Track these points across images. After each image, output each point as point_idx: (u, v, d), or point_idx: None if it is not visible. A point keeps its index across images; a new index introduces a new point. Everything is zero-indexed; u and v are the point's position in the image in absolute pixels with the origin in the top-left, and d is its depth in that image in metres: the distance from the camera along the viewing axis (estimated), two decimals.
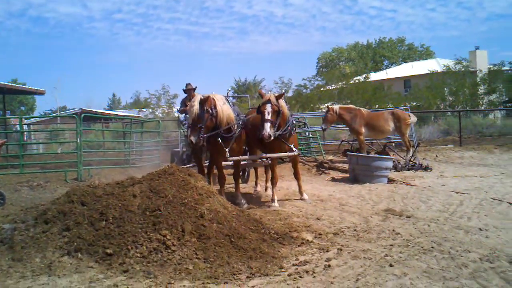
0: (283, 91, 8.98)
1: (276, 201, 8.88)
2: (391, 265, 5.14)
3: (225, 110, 8.47)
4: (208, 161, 10.35)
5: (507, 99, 36.23)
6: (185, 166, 10.79)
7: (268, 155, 9.05)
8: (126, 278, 4.86)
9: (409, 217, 7.63)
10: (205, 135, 8.18)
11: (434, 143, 21.38)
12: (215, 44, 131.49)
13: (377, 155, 12.82)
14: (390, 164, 11.59)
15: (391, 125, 14.63)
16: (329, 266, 5.21)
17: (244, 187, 11.19)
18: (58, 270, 5.05)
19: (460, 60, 36.48)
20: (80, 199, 6.07)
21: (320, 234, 6.65)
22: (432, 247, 5.84)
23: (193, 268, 5.07)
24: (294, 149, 8.93)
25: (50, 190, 10.95)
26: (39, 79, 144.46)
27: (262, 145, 9.08)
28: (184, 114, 11.28)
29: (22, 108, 67.07)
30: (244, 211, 6.94)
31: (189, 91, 11.11)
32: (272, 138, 8.20)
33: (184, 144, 12.35)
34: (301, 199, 9.29)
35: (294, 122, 9.14)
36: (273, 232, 6.46)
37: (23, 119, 13.82)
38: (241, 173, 10.76)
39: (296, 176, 9.58)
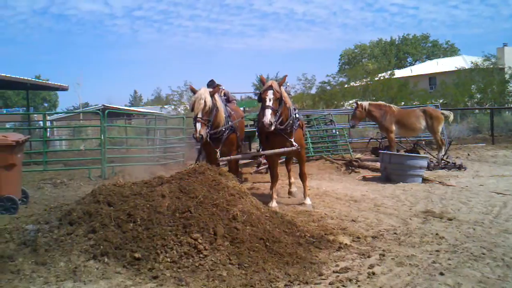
0: (285, 78, 8.00)
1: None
2: (441, 274, 4.73)
3: (222, 108, 8.11)
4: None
5: None
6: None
7: (263, 152, 8.55)
8: (156, 285, 4.53)
9: (450, 219, 7.18)
10: (212, 131, 7.84)
11: (464, 141, 20.74)
12: (234, 41, 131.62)
13: (411, 154, 12.29)
14: (425, 163, 11.09)
15: (422, 123, 14.11)
16: (373, 273, 4.82)
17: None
18: (84, 276, 4.75)
19: (488, 56, 35.62)
20: (106, 199, 5.75)
21: (358, 237, 6.24)
22: (483, 254, 5.40)
23: (227, 274, 4.72)
24: (294, 143, 8.11)
25: (73, 188, 10.72)
26: (62, 76, 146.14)
27: (265, 143, 8.54)
28: None
29: (45, 104, 67.72)
30: (277, 213, 6.58)
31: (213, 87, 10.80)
32: (273, 127, 7.52)
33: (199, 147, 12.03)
34: (302, 203, 8.49)
35: (297, 115, 8.42)
36: (309, 235, 6.09)
37: (46, 115, 13.63)
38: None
39: (302, 177, 8.72)
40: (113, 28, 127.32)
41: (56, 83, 20.75)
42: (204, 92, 7.68)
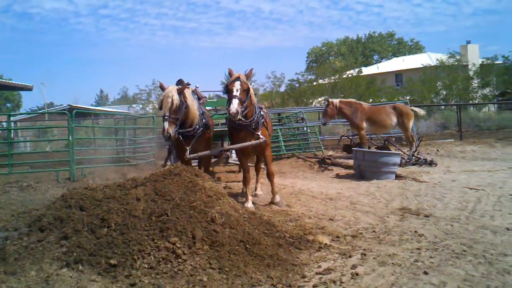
0: (251, 70, 8.00)
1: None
2: (425, 273, 4.68)
3: (193, 106, 8.03)
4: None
5: (499, 92, 36.03)
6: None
7: (230, 146, 8.52)
8: None
9: (427, 216, 7.19)
10: (184, 129, 7.86)
11: (432, 137, 21.06)
12: (202, 39, 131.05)
13: (384, 151, 12.34)
14: (398, 159, 11.14)
15: (393, 120, 14.17)
16: (357, 274, 4.74)
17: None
18: (57, 285, 4.51)
19: (453, 54, 36.27)
20: (78, 203, 5.52)
21: (337, 237, 6.17)
22: (464, 251, 5.39)
23: (207, 279, 4.56)
24: (261, 136, 8.03)
25: (41, 191, 10.34)
26: (25, 76, 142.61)
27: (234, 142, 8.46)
28: None
29: (8, 105, 65.80)
30: (255, 213, 6.45)
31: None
32: (239, 116, 7.40)
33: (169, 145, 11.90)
34: (271, 202, 8.40)
35: (262, 113, 8.39)
36: (288, 235, 5.98)
37: (10, 116, 13.14)
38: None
39: (269, 176, 8.50)
40: (78, 27, 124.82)
41: (20, 83, 20.14)
42: (172, 90, 7.60)
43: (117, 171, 12.35)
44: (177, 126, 7.61)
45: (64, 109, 32.84)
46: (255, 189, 9.33)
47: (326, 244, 5.84)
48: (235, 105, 7.31)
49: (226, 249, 5.03)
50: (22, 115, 34.07)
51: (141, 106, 32.54)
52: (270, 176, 8.51)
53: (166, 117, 7.42)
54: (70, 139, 11.43)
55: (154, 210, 5.30)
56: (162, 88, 7.89)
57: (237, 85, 7.51)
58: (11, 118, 13.52)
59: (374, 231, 6.43)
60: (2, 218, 6.80)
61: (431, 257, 5.19)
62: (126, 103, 49.37)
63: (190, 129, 7.99)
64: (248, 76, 7.91)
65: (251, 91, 7.89)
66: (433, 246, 5.61)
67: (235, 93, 7.43)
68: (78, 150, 12.32)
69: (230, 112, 7.31)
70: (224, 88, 7.99)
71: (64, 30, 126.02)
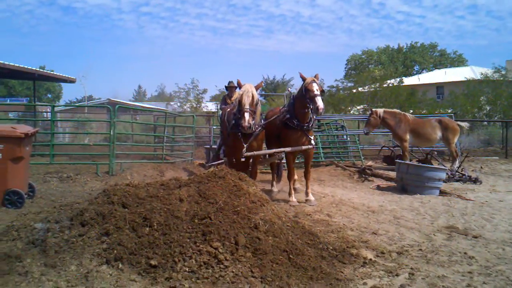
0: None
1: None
2: None
3: (260, 105, 8.75)
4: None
5: None
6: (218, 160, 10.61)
7: (283, 149, 9.03)
8: None
9: (476, 237, 6.85)
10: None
11: (475, 153, 20.38)
12: (240, 41, 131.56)
13: (428, 165, 11.96)
14: (443, 175, 10.75)
15: (438, 134, 13.79)
16: None
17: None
18: (97, 282, 4.42)
19: (498, 68, 35.20)
20: (121, 200, 5.42)
21: (382, 252, 5.92)
22: None
23: None
24: (312, 142, 9.02)
25: (80, 183, 10.39)
26: (66, 68, 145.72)
27: (279, 141, 9.20)
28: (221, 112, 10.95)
29: (49, 95, 67.26)
30: (298, 222, 6.25)
31: (231, 88, 11.48)
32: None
33: (220, 141, 11.92)
34: (306, 200, 9.11)
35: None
36: (331, 247, 5.77)
37: (54, 107, 13.29)
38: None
39: (307, 175, 9.32)
40: (120, 23, 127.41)
41: (63, 75, 20.43)
42: (251, 87, 8.39)
43: (155, 168, 12.32)
44: (253, 120, 8.24)
45: (104, 103, 33.37)
46: (294, 184, 9.81)
47: (370, 259, 5.60)
48: (320, 101, 8.26)
49: (269, 258, 4.85)
50: (64, 107, 34.66)
51: (179, 104, 32.68)
52: (307, 174, 9.32)
53: (246, 109, 8.10)
54: (111, 133, 11.46)
55: (197, 212, 5.18)
56: (240, 85, 8.65)
57: (316, 85, 8.48)
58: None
59: (420, 249, 6.14)
60: (44, 209, 6.80)
61: (484, 283, 4.90)
62: (163, 100, 49.79)
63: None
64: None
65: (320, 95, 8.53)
66: (485, 271, 5.30)
67: (316, 92, 8.36)
68: (117, 145, 12.33)
69: (319, 108, 8.22)
70: (299, 91, 8.84)
71: (106, 26, 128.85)
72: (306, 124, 8.84)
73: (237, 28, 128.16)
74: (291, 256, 5.04)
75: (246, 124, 7.99)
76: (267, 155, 9.55)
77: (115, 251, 4.78)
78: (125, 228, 5.03)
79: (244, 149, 8.36)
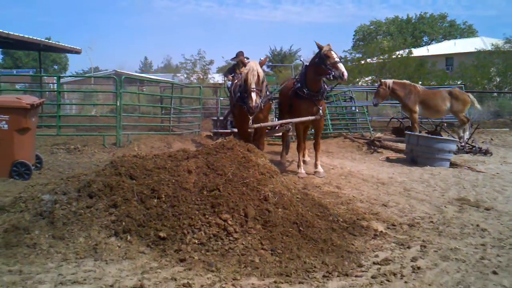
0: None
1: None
2: (494, 273, 4.31)
3: (265, 79, 8.58)
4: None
5: None
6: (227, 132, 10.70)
7: (289, 120, 8.93)
8: (184, 269, 4.16)
9: (488, 209, 6.75)
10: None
11: (485, 125, 20.12)
12: (247, 12, 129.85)
13: (438, 136, 11.80)
14: (454, 147, 10.60)
15: (447, 105, 13.56)
16: (418, 268, 4.41)
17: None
18: (105, 254, 4.39)
19: (509, 39, 34.55)
20: (128, 171, 5.35)
21: (393, 225, 5.85)
22: None
23: (259, 261, 4.35)
24: (321, 111, 8.81)
25: (87, 155, 10.35)
26: (71, 39, 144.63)
27: (292, 114, 9.12)
28: (230, 82, 10.77)
29: (55, 67, 66.96)
30: (307, 194, 6.18)
31: (240, 59, 11.14)
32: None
33: (228, 113, 11.86)
34: (314, 171, 9.05)
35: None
36: (341, 220, 5.69)
37: (60, 78, 13.16)
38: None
39: (316, 146, 9.32)
40: None
41: (70, 46, 20.19)
42: (256, 65, 8.19)
43: (162, 140, 12.24)
44: (261, 98, 8.15)
45: (110, 74, 33.18)
46: (303, 156, 9.73)
47: (381, 231, 5.54)
48: (343, 67, 8.21)
49: (279, 230, 4.79)
50: (70, 77, 34.49)
51: (185, 75, 32.41)
52: (317, 146, 9.31)
53: (252, 88, 7.92)
54: (118, 104, 11.35)
55: (206, 184, 5.10)
56: (243, 63, 8.83)
57: (334, 53, 8.40)
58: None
59: (432, 222, 6.06)
60: (51, 180, 6.76)
61: (498, 256, 4.81)
62: (169, 71, 49.44)
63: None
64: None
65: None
66: (498, 243, 5.22)
67: (336, 58, 8.31)
68: (124, 116, 12.24)
69: (344, 75, 8.13)
70: (316, 57, 8.64)
71: None
72: (316, 93, 8.71)
73: None
74: (301, 228, 4.97)
75: (254, 104, 7.85)
76: (276, 126, 9.42)
77: (124, 223, 4.74)
78: (133, 200, 4.98)
79: (250, 121, 8.20)
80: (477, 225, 5.89)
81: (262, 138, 9.04)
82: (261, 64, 8.46)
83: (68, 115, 16.44)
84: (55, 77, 14.44)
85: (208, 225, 4.67)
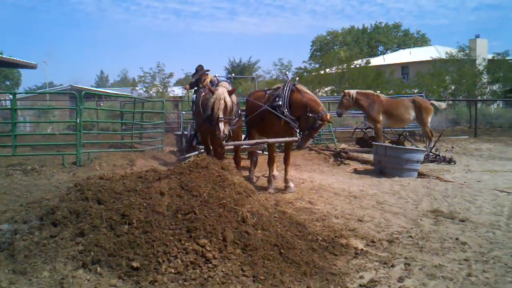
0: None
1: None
2: None
3: (233, 99, 8.19)
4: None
5: (508, 89, 35.47)
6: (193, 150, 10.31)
7: (265, 140, 8.66)
8: None
9: (463, 220, 6.70)
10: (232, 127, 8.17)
11: (444, 133, 20.48)
12: (204, 24, 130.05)
13: (401, 146, 11.82)
14: (422, 157, 10.60)
15: (411, 114, 13.67)
16: None
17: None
18: None
19: (462, 47, 35.58)
20: (96, 196, 4.98)
21: (372, 241, 5.70)
22: None
23: None
24: (298, 133, 8.46)
25: (46, 176, 9.78)
26: (24, 54, 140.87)
27: (262, 128, 9.04)
28: (195, 96, 10.53)
29: (7, 82, 64.84)
30: (285, 212, 5.96)
31: (201, 72, 11.04)
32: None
33: (191, 127, 11.58)
34: (285, 186, 8.78)
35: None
36: (320, 238, 5.49)
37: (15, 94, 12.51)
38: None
39: (286, 161, 8.99)
40: (80, 6, 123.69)
41: (25, 61, 19.44)
42: (223, 92, 7.84)
43: (124, 157, 11.78)
44: (230, 126, 7.93)
45: (66, 90, 32.23)
46: (272, 171, 9.23)
47: (362, 249, 5.37)
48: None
49: (260, 254, 4.53)
50: (25, 94, 33.29)
51: (144, 89, 31.78)
52: (287, 160, 8.96)
53: (221, 118, 7.66)
54: (78, 121, 10.86)
55: (180, 207, 4.80)
56: (211, 91, 8.11)
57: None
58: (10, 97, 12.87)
59: (410, 236, 5.95)
60: (9, 207, 6.28)
61: (484, 271, 4.71)
62: (126, 85, 48.64)
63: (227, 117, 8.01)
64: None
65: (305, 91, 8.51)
66: (481, 258, 5.13)
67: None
68: (84, 134, 11.73)
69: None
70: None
71: (65, 9, 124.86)
72: (297, 119, 8.43)
73: (200, 10, 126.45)
74: (282, 250, 4.74)
75: (222, 135, 7.65)
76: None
77: (92, 253, 4.36)
78: (102, 226, 4.61)
79: (224, 141, 7.93)
80: (456, 239, 5.82)
81: (238, 155, 9.06)
82: (230, 93, 8.06)
83: (24, 134, 15.71)
84: (9, 94, 13.77)
85: (184, 252, 4.36)
